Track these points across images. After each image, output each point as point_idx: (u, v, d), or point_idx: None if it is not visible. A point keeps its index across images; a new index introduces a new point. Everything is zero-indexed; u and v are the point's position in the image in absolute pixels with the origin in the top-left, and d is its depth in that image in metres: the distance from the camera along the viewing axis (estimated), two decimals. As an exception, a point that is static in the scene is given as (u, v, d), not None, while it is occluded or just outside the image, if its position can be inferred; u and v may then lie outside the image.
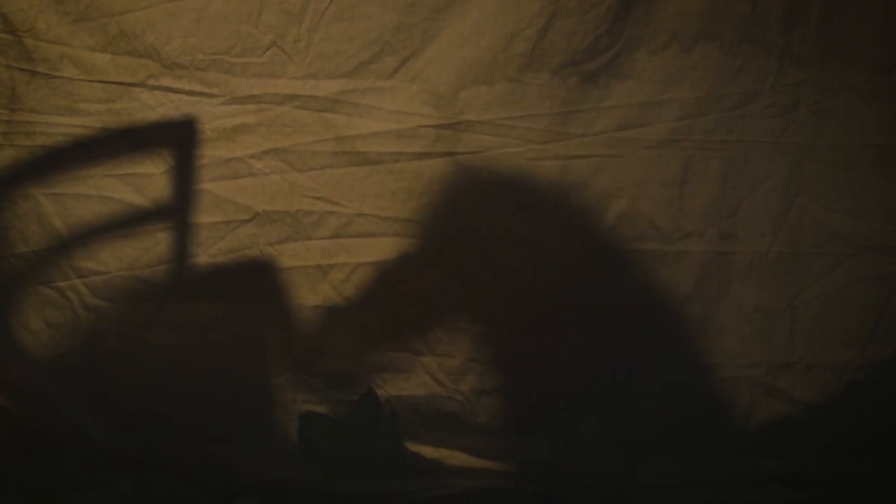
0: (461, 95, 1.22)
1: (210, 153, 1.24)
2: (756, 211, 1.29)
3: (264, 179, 1.26)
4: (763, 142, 1.27)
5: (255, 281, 1.30)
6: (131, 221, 1.26)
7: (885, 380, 1.34)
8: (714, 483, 1.33)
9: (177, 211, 1.26)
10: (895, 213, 1.30)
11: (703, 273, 1.31)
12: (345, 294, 1.30)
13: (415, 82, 1.22)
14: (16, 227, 1.25)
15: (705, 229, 1.30)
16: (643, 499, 1.33)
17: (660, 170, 1.27)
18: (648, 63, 1.22)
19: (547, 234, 1.29)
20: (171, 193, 1.25)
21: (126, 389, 1.31)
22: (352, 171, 1.25)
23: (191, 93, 1.20)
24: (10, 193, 1.23)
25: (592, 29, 1.20)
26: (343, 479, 1.33)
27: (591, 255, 1.30)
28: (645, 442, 1.35)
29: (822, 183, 1.29)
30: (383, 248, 1.29)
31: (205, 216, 1.26)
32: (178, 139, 1.23)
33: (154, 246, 1.27)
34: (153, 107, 1.21)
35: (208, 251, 1.28)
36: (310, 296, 1.31)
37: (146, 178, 1.24)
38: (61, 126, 1.20)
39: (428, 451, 1.37)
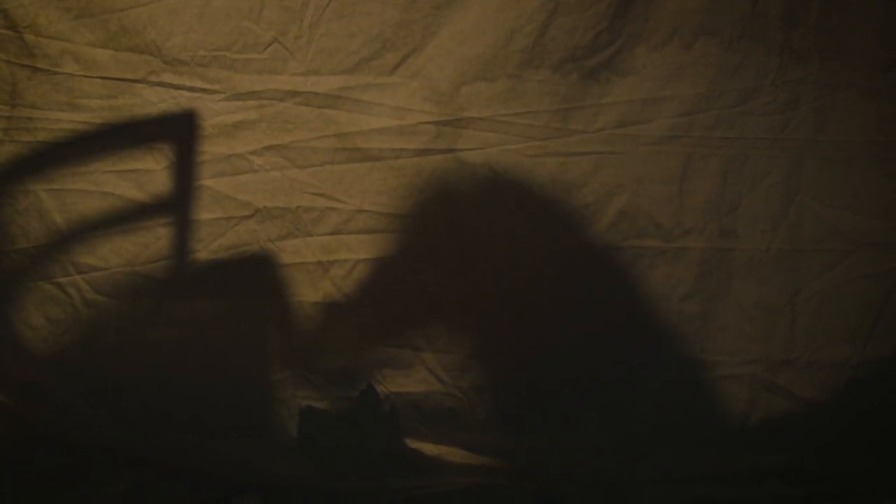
0: (462, 92, 1.22)
1: (211, 149, 1.24)
2: (756, 207, 1.29)
3: (265, 176, 1.26)
4: (763, 138, 1.27)
5: (256, 277, 1.30)
6: (132, 217, 1.26)
7: (884, 376, 1.34)
8: (713, 479, 1.33)
9: (177, 207, 1.26)
10: (895, 209, 1.30)
11: (703, 270, 1.31)
12: (345, 291, 1.30)
13: (415, 79, 1.22)
14: (16, 222, 1.25)
15: (705, 226, 1.30)
16: (642, 495, 1.32)
17: (660, 166, 1.27)
18: (648, 59, 1.22)
19: (547, 230, 1.29)
20: (171, 189, 1.25)
21: (126, 385, 1.31)
22: (352, 168, 1.25)
23: (192, 89, 1.21)
24: (10, 189, 1.23)
25: (593, 25, 1.20)
26: (343, 475, 1.33)
27: (591, 252, 1.30)
28: (644, 438, 1.35)
29: (823, 179, 1.29)
30: (384, 245, 1.29)
31: (205, 212, 1.26)
32: (178, 135, 1.23)
33: (154, 242, 1.27)
34: (154, 103, 1.21)
35: (209, 247, 1.28)
36: (310, 292, 1.31)
37: (147, 174, 1.24)
38: (62, 122, 1.21)
39: (427, 448, 1.37)
